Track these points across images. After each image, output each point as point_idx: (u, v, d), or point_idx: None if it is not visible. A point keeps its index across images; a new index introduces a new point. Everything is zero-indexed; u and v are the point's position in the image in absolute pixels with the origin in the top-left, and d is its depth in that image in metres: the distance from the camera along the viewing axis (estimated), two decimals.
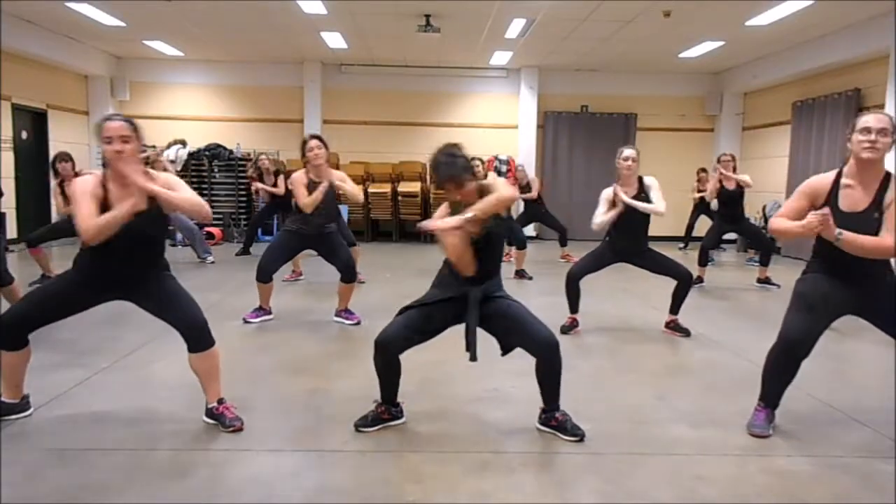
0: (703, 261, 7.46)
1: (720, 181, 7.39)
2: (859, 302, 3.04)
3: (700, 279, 7.20)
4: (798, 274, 3.22)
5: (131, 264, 3.00)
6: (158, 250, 3.16)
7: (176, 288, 3.11)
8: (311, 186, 5.00)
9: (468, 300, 2.97)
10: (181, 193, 2.99)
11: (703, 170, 10.88)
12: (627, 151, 4.98)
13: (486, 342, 3.18)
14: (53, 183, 6.57)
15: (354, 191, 5.20)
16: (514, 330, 3.02)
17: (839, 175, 3.01)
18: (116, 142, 2.85)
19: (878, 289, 3.02)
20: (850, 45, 8.70)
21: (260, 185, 8.67)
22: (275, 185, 8.53)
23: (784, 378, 3.09)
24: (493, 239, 3.04)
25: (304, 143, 5.06)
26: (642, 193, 4.95)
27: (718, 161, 7.43)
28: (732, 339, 5.00)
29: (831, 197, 2.96)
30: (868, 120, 2.90)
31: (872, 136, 2.86)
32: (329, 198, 5.07)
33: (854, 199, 2.94)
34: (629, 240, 4.98)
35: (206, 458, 2.79)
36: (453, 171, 2.92)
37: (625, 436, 3.11)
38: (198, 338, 3.04)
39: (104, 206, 2.87)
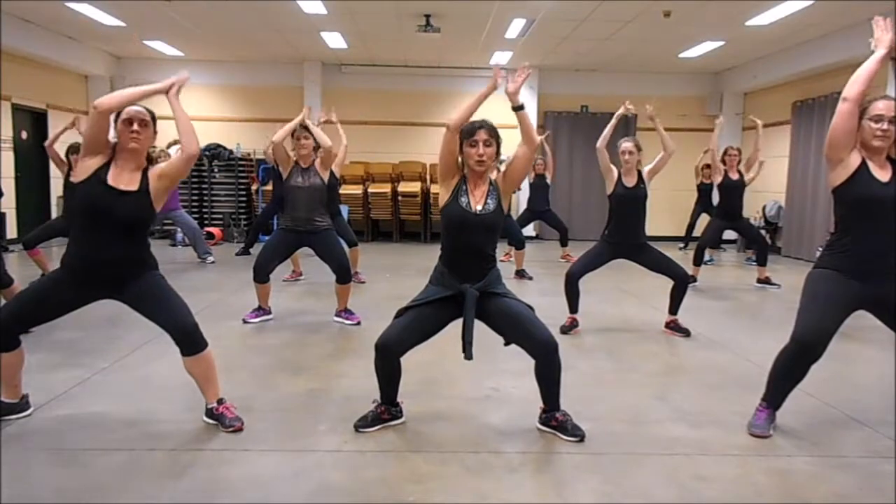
0: (698, 260, 7.45)
1: (725, 168, 7.35)
2: (870, 296, 3.00)
3: (693, 278, 7.17)
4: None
5: (112, 251, 2.89)
6: (140, 238, 3.02)
7: (165, 288, 3.04)
8: (297, 170, 5.20)
9: (465, 298, 2.97)
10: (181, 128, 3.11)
11: (707, 166, 10.89)
12: (625, 144, 4.99)
13: (488, 341, 3.18)
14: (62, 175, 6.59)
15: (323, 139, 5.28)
16: (514, 330, 3.01)
17: None
18: (136, 123, 2.95)
19: (889, 283, 2.98)
20: (850, 45, 8.67)
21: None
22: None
23: (793, 380, 3.07)
24: (491, 225, 3.02)
25: (293, 132, 5.32)
26: (641, 185, 4.97)
27: (725, 153, 7.38)
28: (732, 339, 5.00)
29: (864, 165, 2.94)
30: (881, 107, 2.90)
31: (885, 125, 2.87)
32: (314, 190, 5.14)
33: (880, 171, 2.95)
34: (627, 232, 4.98)
35: (205, 459, 2.78)
36: (493, 126, 3.08)
37: (625, 436, 3.10)
38: (189, 341, 3.00)
39: (99, 172, 2.93)
